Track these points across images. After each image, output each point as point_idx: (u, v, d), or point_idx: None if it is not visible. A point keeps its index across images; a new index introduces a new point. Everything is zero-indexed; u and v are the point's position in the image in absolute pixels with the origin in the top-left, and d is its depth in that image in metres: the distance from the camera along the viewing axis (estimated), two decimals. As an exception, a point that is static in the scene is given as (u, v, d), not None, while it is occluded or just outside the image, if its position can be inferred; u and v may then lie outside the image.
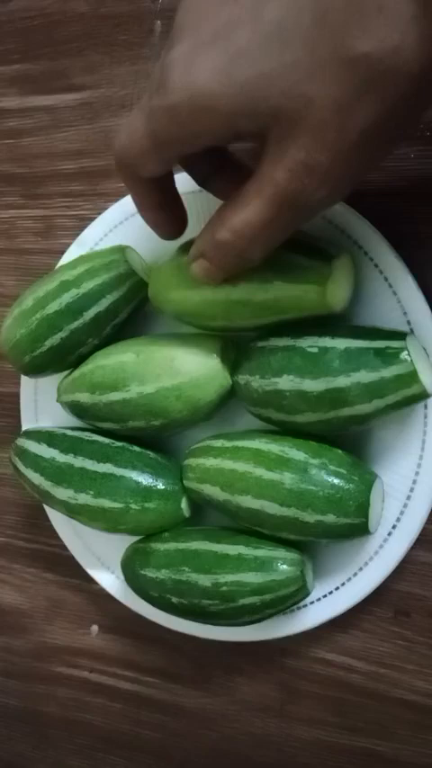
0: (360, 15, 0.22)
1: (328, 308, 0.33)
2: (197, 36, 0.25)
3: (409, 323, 0.35)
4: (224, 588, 0.35)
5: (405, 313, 0.35)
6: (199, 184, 0.34)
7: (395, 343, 0.32)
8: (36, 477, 0.40)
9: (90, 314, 0.39)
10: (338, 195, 0.27)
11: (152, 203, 0.32)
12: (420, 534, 0.36)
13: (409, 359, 0.31)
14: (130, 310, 0.40)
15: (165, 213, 0.33)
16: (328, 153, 0.24)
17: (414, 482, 0.36)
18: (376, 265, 0.35)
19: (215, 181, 0.33)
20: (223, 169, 0.33)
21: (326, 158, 0.24)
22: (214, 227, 0.29)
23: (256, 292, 0.33)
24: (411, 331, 0.35)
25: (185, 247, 0.36)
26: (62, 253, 0.43)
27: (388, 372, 0.31)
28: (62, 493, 0.39)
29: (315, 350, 0.33)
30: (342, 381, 0.32)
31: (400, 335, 0.32)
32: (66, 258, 0.43)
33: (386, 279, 0.35)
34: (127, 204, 0.41)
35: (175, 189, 0.33)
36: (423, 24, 0.22)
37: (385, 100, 0.23)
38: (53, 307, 0.38)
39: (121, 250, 0.39)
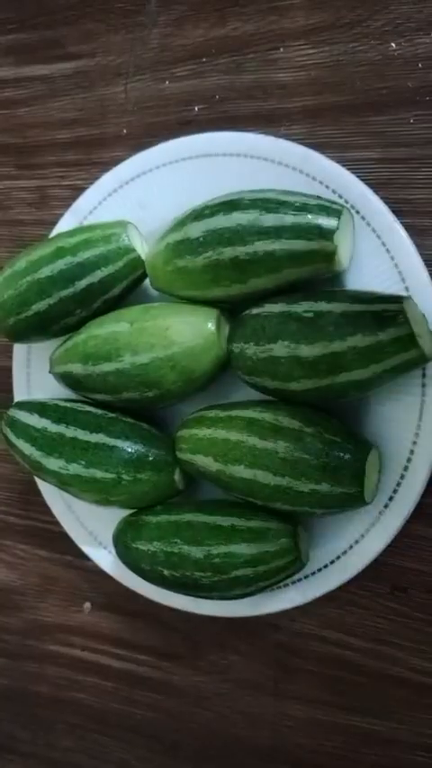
0: None
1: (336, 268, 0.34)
2: None
3: (407, 289, 0.34)
4: (216, 560, 0.35)
5: (403, 279, 0.34)
6: None
7: (392, 306, 0.31)
8: (27, 448, 0.39)
9: (82, 284, 0.38)
10: None
11: None
12: (418, 507, 0.35)
13: (406, 321, 0.30)
14: (123, 287, 0.39)
15: None
16: None
17: (412, 452, 0.35)
18: (374, 230, 0.35)
19: None
20: None
21: None
22: None
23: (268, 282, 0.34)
24: (409, 297, 0.34)
25: (181, 219, 0.35)
26: (56, 224, 0.43)
27: (385, 335, 0.31)
28: (53, 463, 0.38)
29: (311, 314, 0.32)
30: (338, 346, 0.31)
31: (398, 299, 0.32)
32: (60, 227, 0.42)
33: (384, 244, 0.34)
34: (121, 172, 0.41)
35: None
36: None
37: None
38: (45, 272, 0.38)
39: (123, 225, 0.38)
